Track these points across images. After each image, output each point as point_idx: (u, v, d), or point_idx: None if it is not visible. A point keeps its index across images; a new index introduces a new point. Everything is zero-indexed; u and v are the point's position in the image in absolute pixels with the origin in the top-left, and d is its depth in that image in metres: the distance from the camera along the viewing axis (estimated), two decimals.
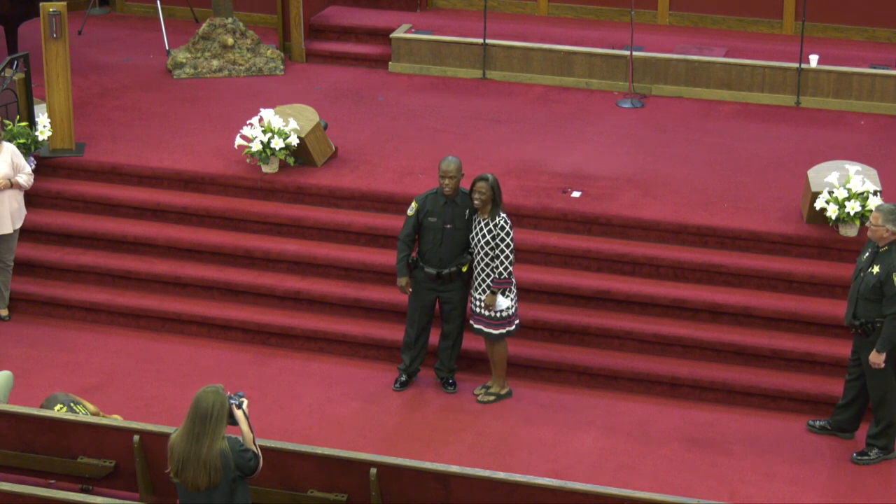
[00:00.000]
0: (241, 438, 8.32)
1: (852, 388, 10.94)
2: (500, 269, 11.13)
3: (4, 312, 12.69)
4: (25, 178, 12.41)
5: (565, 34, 15.83)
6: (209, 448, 8.11)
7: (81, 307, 12.82)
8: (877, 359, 10.51)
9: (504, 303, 11.25)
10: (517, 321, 11.41)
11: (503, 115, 14.74)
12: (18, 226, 12.51)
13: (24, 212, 12.60)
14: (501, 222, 11.09)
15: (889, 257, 10.47)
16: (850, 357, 10.92)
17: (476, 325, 11.42)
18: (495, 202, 11.11)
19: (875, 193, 12.06)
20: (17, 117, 13.41)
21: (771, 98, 14.99)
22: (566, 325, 12.14)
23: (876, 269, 10.49)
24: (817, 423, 11.24)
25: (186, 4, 17.26)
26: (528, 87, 15.44)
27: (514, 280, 11.31)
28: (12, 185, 12.31)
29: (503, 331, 11.36)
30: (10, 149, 12.39)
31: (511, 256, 11.14)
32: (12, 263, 12.61)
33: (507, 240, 11.11)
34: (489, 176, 11.12)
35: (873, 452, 10.89)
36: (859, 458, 10.89)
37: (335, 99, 15.11)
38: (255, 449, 8.36)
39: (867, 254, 10.64)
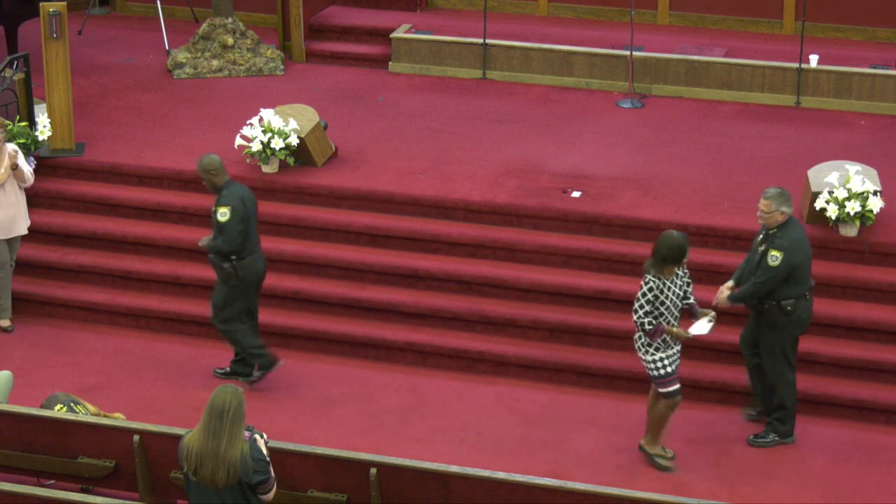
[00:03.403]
0: (262, 449, 8.27)
1: (756, 373, 11.21)
2: (636, 319, 10.49)
3: (7, 323, 12.64)
4: (29, 171, 12.39)
5: (565, 34, 15.84)
6: (228, 445, 8.08)
7: (81, 307, 12.82)
8: (722, 297, 10.83)
9: (649, 356, 10.53)
10: (675, 386, 10.58)
11: (503, 115, 14.74)
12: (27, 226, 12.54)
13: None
14: (647, 278, 10.40)
15: (776, 237, 10.65)
16: (739, 343, 11.19)
17: None
18: (654, 259, 10.40)
19: (875, 193, 12.06)
20: (17, 117, 13.41)
21: (771, 98, 14.99)
22: (566, 325, 12.14)
23: (761, 248, 10.73)
24: (750, 410, 11.40)
25: (186, 4, 17.26)
26: (528, 87, 15.44)
27: (670, 342, 10.50)
28: (16, 169, 12.25)
29: (660, 390, 10.63)
30: (13, 150, 12.36)
31: (647, 307, 10.31)
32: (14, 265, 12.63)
33: (640, 295, 10.41)
34: (673, 233, 10.47)
35: (770, 436, 11.09)
36: (755, 440, 11.10)
37: (335, 99, 15.11)
38: (272, 471, 8.33)
39: (760, 237, 10.84)
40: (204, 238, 11.50)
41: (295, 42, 16.22)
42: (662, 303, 10.33)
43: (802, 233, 10.76)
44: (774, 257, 10.57)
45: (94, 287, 12.96)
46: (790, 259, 10.57)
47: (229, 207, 11.22)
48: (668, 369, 10.52)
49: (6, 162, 12.17)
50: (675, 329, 10.46)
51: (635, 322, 10.40)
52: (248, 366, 11.81)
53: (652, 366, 10.51)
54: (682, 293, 10.50)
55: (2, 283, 12.45)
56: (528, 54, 15.53)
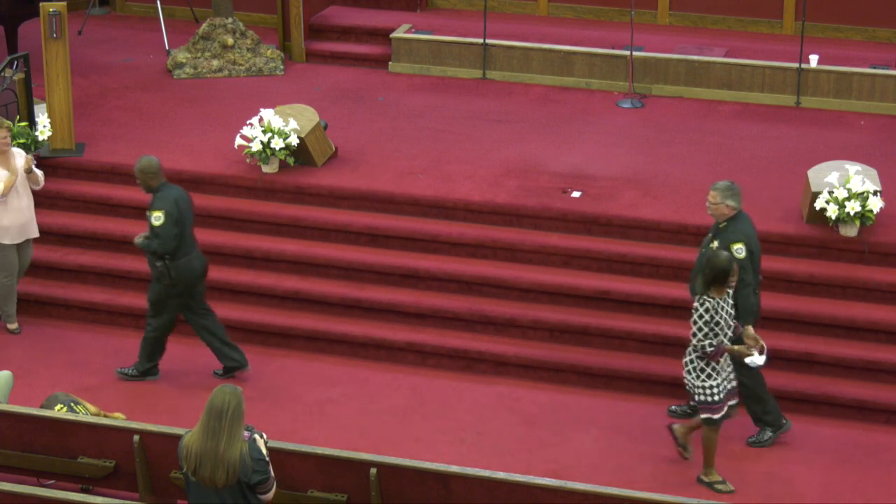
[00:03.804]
0: (262, 449, 8.27)
1: None
2: (696, 343, 10.31)
3: (14, 326, 12.62)
4: (41, 173, 12.36)
5: (565, 34, 15.83)
6: (227, 445, 8.07)
7: (81, 307, 12.82)
8: (749, 332, 10.64)
9: (700, 381, 10.32)
10: (721, 413, 10.39)
11: (503, 115, 14.74)
12: None
13: None
14: (701, 299, 10.22)
15: (728, 231, 10.70)
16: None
17: None
18: (703, 279, 10.22)
19: (875, 193, 12.06)
20: (17, 117, 13.41)
21: (771, 98, 14.99)
22: (566, 325, 12.14)
23: (716, 244, 10.72)
24: (676, 407, 11.43)
25: (186, 4, 17.26)
26: (528, 87, 15.45)
27: (720, 368, 10.29)
28: (31, 172, 12.22)
29: (702, 416, 10.45)
30: (20, 153, 12.31)
31: (706, 329, 10.11)
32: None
33: (697, 318, 10.20)
34: (721, 253, 10.30)
35: (766, 435, 11.11)
36: (756, 442, 11.10)
37: (335, 99, 15.11)
38: (271, 471, 8.33)
39: (710, 234, 10.88)
40: (139, 236, 11.59)
41: (295, 42, 16.22)
42: (717, 323, 10.14)
43: (752, 228, 10.84)
44: (740, 249, 10.60)
45: (95, 287, 12.96)
46: (750, 247, 10.66)
47: (163, 211, 11.31)
48: (717, 397, 10.31)
49: (21, 165, 12.15)
50: (735, 347, 10.29)
51: (695, 346, 10.17)
52: (236, 357, 11.84)
53: (701, 392, 10.31)
54: (732, 313, 10.32)
55: (8, 290, 12.41)
56: (528, 54, 15.53)
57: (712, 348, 10.18)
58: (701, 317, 10.13)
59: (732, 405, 10.51)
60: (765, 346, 10.40)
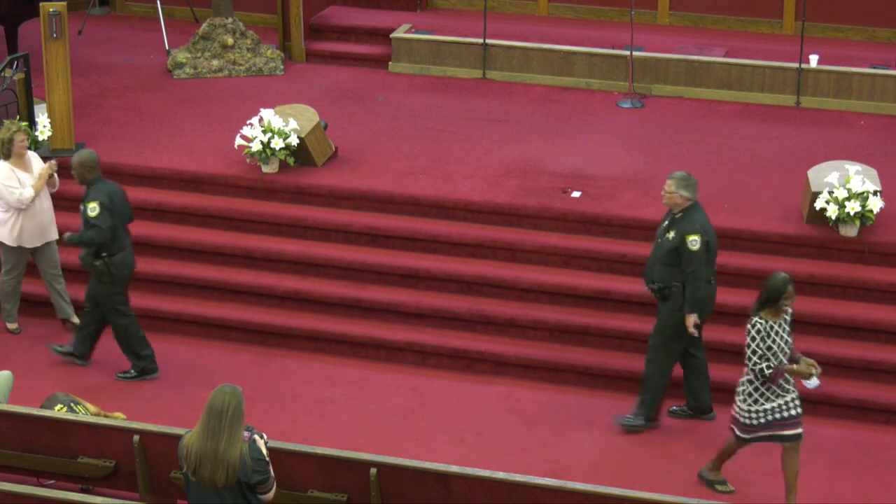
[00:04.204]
0: (262, 449, 8.26)
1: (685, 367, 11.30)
2: (751, 366, 10.10)
3: (78, 320, 12.52)
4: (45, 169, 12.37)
5: (565, 34, 15.83)
6: (227, 445, 8.07)
7: (81, 307, 12.80)
8: (691, 321, 10.79)
9: (756, 405, 10.10)
10: (751, 435, 10.15)
11: (503, 115, 14.74)
12: None
13: None
14: (752, 320, 10.03)
15: (683, 222, 10.78)
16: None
17: None
18: (759, 299, 10.03)
19: (875, 193, 12.06)
20: (17, 117, 13.41)
21: (771, 98, 14.99)
22: (566, 325, 12.14)
23: (671, 234, 10.81)
24: (676, 408, 11.43)
25: (186, 4, 17.26)
26: (528, 87, 15.44)
27: (772, 395, 10.05)
28: (51, 177, 12.22)
29: (734, 429, 10.25)
30: (35, 156, 12.31)
31: (759, 351, 9.93)
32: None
33: (750, 340, 10.06)
34: (778, 273, 10.10)
35: (640, 419, 11.19)
36: (626, 422, 11.22)
37: (335, 99, 15.11)
38: (271, 471, 8.33)
39: (666, 222, 10.95)
40: (69, 234, 11.67)
41: (295, 42, 16.22)
42: (770, 347, 9.94)
43: (707, 218, 10.91)
44: (694, 241, 10.70)
45: None
46: (707, 238, 10.72)
47: (97, 202, 11.45)
48: (755, 422, 10.09)
49: (45, 170, 12.11)
50: (794, 366, 10.04)
51: (751, 370, 9.96)
52: (88, 350, 12.02)
53: (746, 415, 10.10)
54: (789, 339, 10.09)
55: (12, 289, 12.41)
56: (528, 54, 15.53)
57: (770, 370, 9.92)
58: (753, 339, 9.92)
59: (791, 434, 10.19)
60: (818, 371, 10.09)
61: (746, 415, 10.14)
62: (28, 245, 12.21)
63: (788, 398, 10.12)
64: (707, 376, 11.28)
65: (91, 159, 11.58)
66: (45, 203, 12.26)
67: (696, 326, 10.91)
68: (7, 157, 12.03)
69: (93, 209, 11.45)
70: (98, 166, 11.63)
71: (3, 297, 12.47)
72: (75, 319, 12.49)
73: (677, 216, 10.86)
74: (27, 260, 12.38)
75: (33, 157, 12.28)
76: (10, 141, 12.00)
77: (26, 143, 12.13)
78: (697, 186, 10.89)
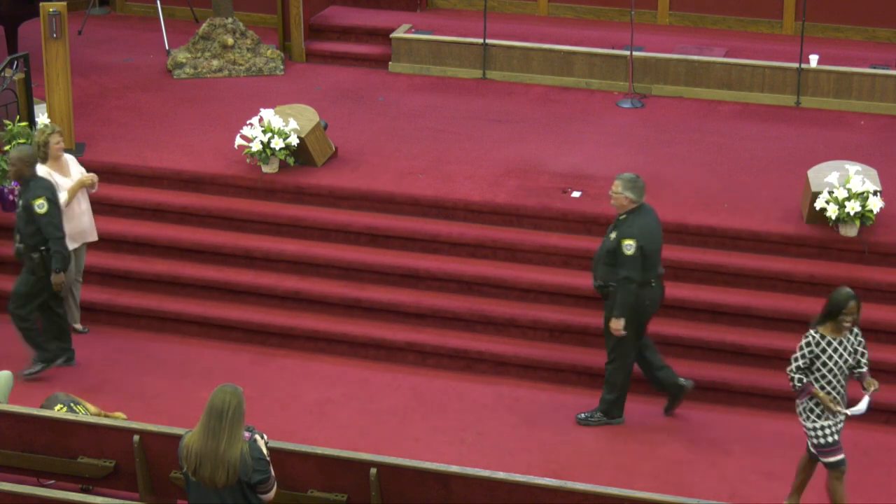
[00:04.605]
0: (263, 449, 8.26)
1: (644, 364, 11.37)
2: (787, 371, 9.88)
3: (80, 326, 12.55)
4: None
5: (565, 34, 15.84)
6: (227, 445, 8.07)
7: (82, 307, 12.80)
8: (616, 324, 10.87)
9: (810, 422, 9.81)
10: (839, 456, 9.83)
11: (503, 115, 14.74)
12: None
13: None
14: (807, 331, 9.77)
15: (624, 225, 10.86)
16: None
17: None
18: (822, 312, 9.72)
19: (875, 193, 12.06)
20: (17, 117, 13.41)
21: (771, 98, 14.99)
22: (566, 325, 12.14)
23: (613, 234, 10.90)
24: (584, 414, 11.46)
25: (186, 4, 17.26)
26: (528, 87, 15.45)
27: (832, 406, 9.74)
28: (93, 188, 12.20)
29: (822, 460, 9.93)
30: (73, 159, 12.23)
31: (800, 362, 9.70)
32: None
33: (798, 349, 9.76)
34: (841, 288, 9.75)
35: (597, 415, 11.29)
36: (584, 419, 11.32)
37: (335, 99, 15.12)
38: (272, 471, 8.32)
39: (614, 222, 11.06)
40: (16, 243, 11.74)
41: (295, 42, 16.23)
42: (825, 363, 9.65)
43: (653, 220, 10.99)
44: (629, 246, 10.77)
45: (95, 287, 12.95)
46: (642, 242, 10.77)
47: (44, 198, 11.46)
48: (831, 438, 9.80)
49: (87, 178, 12.03)
50: (821, 393, 9.72)
51: (790, 377, 9.77)
52: (53, 350, 11.98)
53: (812, 433, 9.83)
54: (850, 359, 9.81)
55: (66, 291, 12.20)
56: (528, 54, 15.53)
57: (800, 384, 9.71)
58: (800, 349, 9.67)
59: (827, 462, 9.94)
60: (876, 387, 9.83)
61: (820, 433, 9.79)
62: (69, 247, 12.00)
63: (841, 417, 9.84)
64: (660, 361, 11.30)
65: (31, 155, 11.59)
66: (84, 205, 12.17)
67: (636, 326, 10.94)
68: (43, 160, 11.91)
69: (41, 205, 11.43)
70: (35, 163, 11.63)
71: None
72: (78, 326, 12.48)
73: (621, 217, 10.93)
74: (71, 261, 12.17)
75: (70, 159, 12.16)
76: (46, 144, 11.90)
77: (62, 146, 12.03)
78: (645, 189, 10.96)
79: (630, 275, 10.76)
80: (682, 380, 11.31)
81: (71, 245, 11.97)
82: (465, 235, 12.74)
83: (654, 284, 10.96)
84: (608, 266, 10.93)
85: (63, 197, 11.90)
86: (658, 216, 11.12)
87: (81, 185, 12.09)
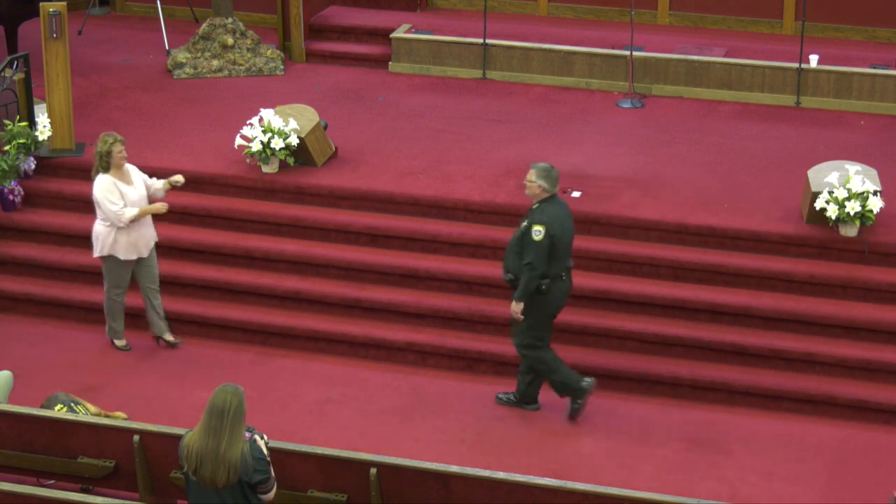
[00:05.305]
0: (263, 448, 8.26)
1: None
2: None
3: (171, 338, 12.36)
4: (162, 184, 12.06)
5: (565, 34, 15.84)
6: (228, 445, 8.07)
7: (81, 307, 12.82)
8: (515, 307, 10.93)
9: None
10: None
11: (503, 115, 14.74)
12: None
13: None
14: None
15: (536, 213, 10.90)
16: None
17: None
18: None
19: (875, 193, 12.06)
20: (17, 117, 13.41)
21: (771, 98, 14.99)
22: (566, 325, 12.13)
23: (524, 223, 10.92)
24: (504, 395, 11.58)
25: (186, 4, 17.26)
26: (528, 87, 15.45)
27: None
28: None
29: None
30: (134, 168, 11.98)
31: None
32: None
33: None
34: None
35: (513, 396, 11.46)
36: (502, 396, 11.52)
37: (335, 99, 15.12)
38: (272, 471, 8.32)
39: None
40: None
41: (295, 42, 16.23)
42: None
43: (564, 211, 11.04)
44: (538, 231, 10.81)
45: (95, 287, 12.93)
46: (552, 231, 10.81)
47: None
48: None
49: (146, 182, 11.85)
50: None
51: None
52: None
53: None
54: None
55: (118, 305, 12.11)
56: (528, 54, 15.53)
57: None
58: None
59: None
60: None
61: None
62: (123, 257, 11.87)
63: None
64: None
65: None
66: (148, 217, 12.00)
67: (547, 318, 11.03)
68: (106, 169, 11.70)
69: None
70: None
71: (109, 314, 12.22)
72: (169, 337, 12.30)
73: (534, 207, 10.98)
74: (130, 276, 12.04)
75: (132, 169, 11.93)
76: (109, 153, 11.62)
77: (125, 154, 11.77)
78: (558, 180, 11.02)
79: (534, 262, 10.80)
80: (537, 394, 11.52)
81: (128, 255, 11.84)
82: (465, 235, 12.74)
83: (564, 277, 11.05)
84: (517, 255, 10.97)
85: (131, 214, 11.68)
86: (570, 209, 11.20)
87: (153, 212, 11.89)
